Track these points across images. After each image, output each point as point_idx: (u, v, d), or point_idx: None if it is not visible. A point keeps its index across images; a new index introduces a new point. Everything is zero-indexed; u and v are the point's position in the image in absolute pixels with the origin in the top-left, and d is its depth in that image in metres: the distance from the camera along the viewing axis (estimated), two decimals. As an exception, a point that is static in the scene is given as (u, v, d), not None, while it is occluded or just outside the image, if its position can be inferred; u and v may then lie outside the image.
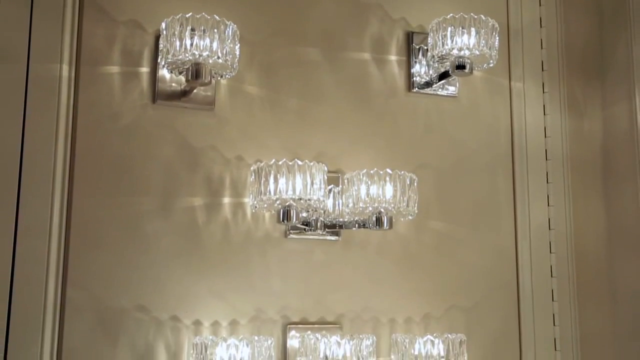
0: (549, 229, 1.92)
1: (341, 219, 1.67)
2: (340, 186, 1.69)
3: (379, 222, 1.59)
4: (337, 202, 1.70)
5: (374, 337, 1.56)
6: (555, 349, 1.87)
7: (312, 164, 1.52)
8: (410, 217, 1.62)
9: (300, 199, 1.50)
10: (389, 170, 1.58)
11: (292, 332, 1.64)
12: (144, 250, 1.57)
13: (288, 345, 1.64)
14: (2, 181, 1.48)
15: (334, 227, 1.68)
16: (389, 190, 1.57)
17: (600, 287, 1.94)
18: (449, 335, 1.59)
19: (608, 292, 1.94)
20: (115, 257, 1.55)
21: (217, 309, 1.60)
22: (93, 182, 1.55)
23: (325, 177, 1.55)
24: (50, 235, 1.49)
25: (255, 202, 1.54)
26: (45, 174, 1.51)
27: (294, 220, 1.52)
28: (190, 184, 1.63)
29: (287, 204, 1.51)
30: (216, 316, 1.60)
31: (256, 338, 1.47)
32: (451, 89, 1.88)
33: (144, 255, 1.57)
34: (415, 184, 1.61)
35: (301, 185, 1.50)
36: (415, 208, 1.61)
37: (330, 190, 1.68)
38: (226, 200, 1.65)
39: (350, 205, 1.60)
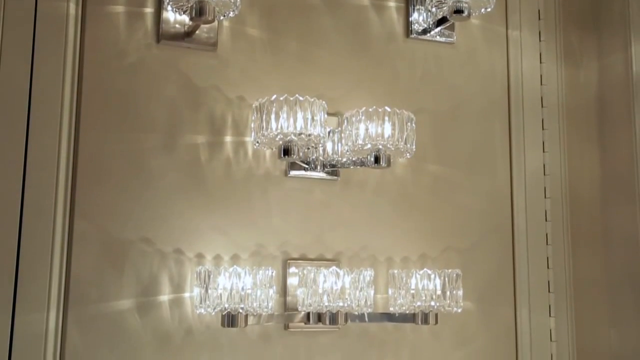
0: (544, 174, 1.96)
1: (341, 159, 1.71)
2: (339, 127, 1.73)
3: (377, 160, 1.63)
4: (336, 144, 1.74)
5: (373, 271, 1.60)
6: (549, 291, 1.91)
7: (312, 100, 1.56)
8: (408, 156, 1.66)
9: (301, 134, 1.54)
10: (387, 109, 1.61)
11: (292, 269, 1.69)
12: (149, 185, 1.61)
13: (288, 282, 1.69)
14: (11, 116, 1.52)
15: (333, 167, 1.72)
16: (387, 128, 1.61)
17: (594, 231, 1.98)
18: (446, 270, 1.63)
19: (601, 236, 1.98)
20: (121, 191, 1.59)
21: (219, 244, 1.64)
22: (99, 118, 1.60)
23: (325, 115, 1.59)
24: (58, 168, 1.53)
25: (257, 138, 1.58)
26: (53, 109, 1.55)
27: (295, 155, 1.56)
28: (193, 122, 1.67)
29: (287, 138, 1.55)
30: (218, 250, 1.64)
31: (257, 270, 1.52)
32: (449, 37, 1.92)
33: (148, 190, 1.61)
34: (414, 123, 1.65)
35: (302, 120, 1.54)
36: (414, 146, 1.64)
37: (329, 133, 1.72)
38: (228, 139, 1.69)
39: (349, 144, 1.63)
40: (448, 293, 1.61)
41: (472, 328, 1.84)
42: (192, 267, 1.61)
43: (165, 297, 1.59)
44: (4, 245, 1.49)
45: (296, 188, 1.73)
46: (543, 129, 1.98)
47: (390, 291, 1.69)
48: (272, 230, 1.70)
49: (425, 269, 1.62)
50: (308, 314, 1.63)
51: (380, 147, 1.61)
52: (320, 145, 1.60)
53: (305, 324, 1.65)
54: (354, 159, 1.68)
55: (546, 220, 1.94)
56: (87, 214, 1.56)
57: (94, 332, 1.53)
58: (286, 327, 1.67)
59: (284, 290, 1.68)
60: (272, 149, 1.65)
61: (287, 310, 1.67)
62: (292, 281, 1.68)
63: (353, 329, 1.73)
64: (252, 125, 1.60)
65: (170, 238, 1.61)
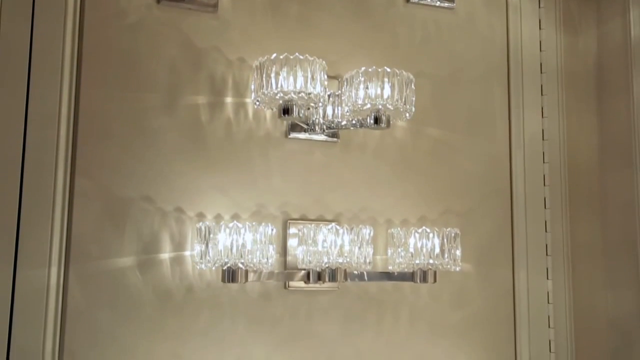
0: (543, 139, 1.97)
1: (340, 121, 1.72)
2: (339, 90, 1.74)
3: (377, 120, 1.64)
4: (336, 107, 1.74)
5: (372, 228, 1.62)
6: (547, 254, 1.93)
7: (312, 59, 1.56)
8: (407, 116, 1.67)
9: (301, 92, 1.55)
10: (387, 69, 1.62)
11: (292, 229, 1.70)
12: (150, 145, 1.62)
13: (288, 242, 1.70)
14: (12, 75, 1.53)
15: (333, 128, 1.73)
16: (387, 88, 1.62)
17: (591, 196, 1.99)
18: (444, 229, 1.64)
19: (599, 201, 1.99)
20: (122, 149, 1.60)
21: (220, 203, 1.65)
22: (100, 76, 1.60)
23: (325, 75, 1.60)
24: (59, 126, 1.54)
25: (257, 97, 1.59)
26: (54, 67, 1.55)
27: (295, 114, 1.57)
28: (193, 83, 1.67)
29: (287, 97, 1.56)
30: (219, 210, 1.65)
31: (257, 225, 1.53)
32: (449, 2, 1.93)
33: (149, 149, 1.62)
34: (413, 85, 1.66)
35: (302, 79, 1.55)
36: (413, 107, 1.65)
37: (329, 96, 1.73)
38: (228, 100, 1.70)
39: (349, 104, 1.64)
40: (447, 252, 1.63)
41: (470, 290, 1.85)
42: (193, 226, 1.62)
43: (166, 255, 1.61)
44: (6, 202, 1.50)
45: (296, 150, 1.74)
46: (542, 94, 1.99)
47: (389, 251, 1.70)
48: (272, 191, 1.71)
49: (424, 227, 1.63)
50: (308, 273, 1.64)
51: (380, 107, 1.62)
52: (320, 105, 1.61)
53: (305, 283, 1.67)
54: (353, 120, 1.69)
55: (544, 184, 1.96)
56: (88, 171, 1.57)
57: (96, 288, 1.55)
58: (286, 286, 1.69)
59: (284, 250, 1.70)
60: (272, 109, 1.66)
61: (287, 269, 1.68)
62: (292, 242, 1.70)
63: (352, 289, 1.74)
64: (252, 85, 1.60)
65: (171, 197, 1.62)
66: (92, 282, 1.54)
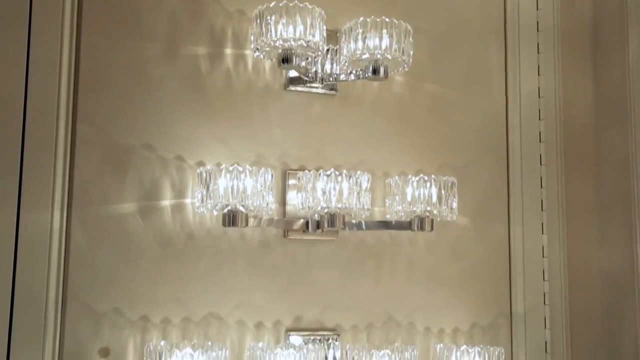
0: (539, 97, 2.00)
1: (339, 73, 1.74)
2: (338, 43, 1.75)
3: (375, 71, 1.65)
4: (335, 60, 1.76)
5: (370, 176, 1.64)
6: (542, 209, 1.95)
7: (311, 7, 1.58)
8: (405, 67, 1.68)
9: (300, 39, 1.57)
10: (385, 19, 1.64)
11: (292, 181, 1.72)
12: (151, 94, 1.64)
13: (287, 192, 1.72)
14: (13, 22, 1.54)
15: (332, 80, 1.75)
16: (385, 39, 1.63)
17: (586, 153, 2.02)
18: (441, 177, 1.67)
19: (594, 158, 2.02)
20: (123, 98, 1.62)
21: (220, 153, 1.67)
22: (101, 25, 1.62)
23: (324, 25, 1.61)
24: (60, 73, 1.56)
25: (257, 45, 1.60)
26: (55, 14, 1.57)
27: (294, 63, 1.59)
28: (193, 34, 1.69)
29: (287, 45, 1.57)
30: (219, 159, 1.67)
31: (257, 169, 1.55)
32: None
33: (150, 98, 1.64)
34: (411, 37, 1.67)
35: (301, 26, 1.57)
36: (410, 58, 1.67)
37: (328, 50, 1.75)
38: (228, 51, 1.72)
39: (348, 54, 1.65)
40: (444, 200, 1.65)
41: (466, 243, 1.88)
42: (193, 174, 1.64)
43: (167, 202, 1.63)
44: (8, 146, 1.52)
45: (295, 102, 1.76)
46: (538, 52, 2.01)
47: (387, 202, 1.73)
48: (272, 142, 1.73)
49: (421, 175, 1.66)
50: (307, 221, 1.67)
51: (379, 57, 1.64)
52: (319, 54, 1.62)
53: (304, 232, 1.69)
54: (352, 72, 1.71)
55: (540, 141, 1.98)
56: (89, 119, 1.59)
57: (98, 233, 1.57)
58: (285, 235, 1.71)
59: (283, 199, 1.72)
60: (271, 60, 1.67)
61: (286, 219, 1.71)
62: (291, 194, 1.72)
63: (350, 239, 1.77)
64: (252, 34, 1.62)
65: (172, 145, 1.65)
66: (94, 226, 1.57)
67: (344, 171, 1.60)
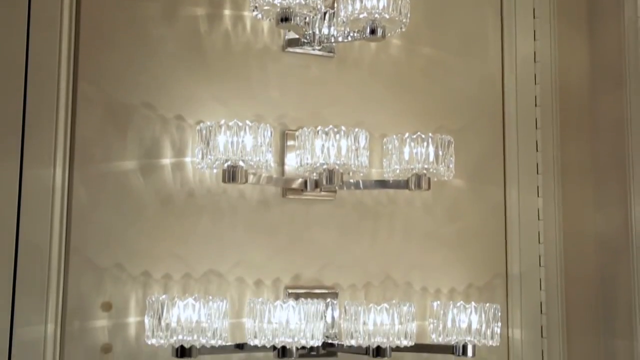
0: (535, 61, 2.02)
1: (337, 35, 1.75)
2: (336, 6, 1.77)
3: (373, 31, 1.67)
4: (332, 26, 1.77)
5: (368, 134, 1.66)
6: (538, 173, 1.98)
7: (310, -34, 1.60)
8: (403, 28, 1.70)
9: (298, -5, 1.58)
10: (382, -21, 1.65)
11: (290, 142, 1.74)
12: (151, 53, 1.66)
13: (286, 153, 1.74)
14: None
15: (330, 42, 1.76)
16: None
17: (581, 117, 2.04)
18: (438, 135, 1.69)
19: (589, 122, 2.04)
20: (124, 57, 1.64)
21: (219, 113, 1.69)
22: (101, -17, 1.64)
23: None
24: (61, 31, 1.58)
25: (256, 4, 1.62)
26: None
27: (292, 22, 1.61)
28: (192, -6, 1.71)
29: (285, 3, 1.59)
30: (218, 119, 1.68)
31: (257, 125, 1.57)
32: None
33: (150, 58, 1.66)
34: (408, -1, 1.69)
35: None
36: (408, 19, 1.69)
37: (325, 13, 1.76)
38: (227, 12, 1.73)
39: (346, 14, 1.67)
40: (441, 158, 1.67)
41: (462, 205, 1.90)
42: (193, 134, 1.66)
43: (167, 161, 1.65)
44: (10, 104, 1.54)
45: (293, 63, 1.78)
46: (534, 17, 2.03)
47: (384, 161, 1.75)
48: (270, 103, 1.75)
49: (418, 133, 1.68)
50: (305, 181, 1.69)
51: (377, 16, 1.65)
52: (318, 13, 1.64)
53: (303, 191, 1.71)
54: (350, 34, 1.72)
55: (536, 105, 2.00)
56: (90, 77, 1.61)
57: (99, 190, 1.59)
58: (284, 194, 1.73)
59: (282, 160, 1.74)
60: (270, 20, 1.69)
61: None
62: (290, 155, 1.74)
63: (348, 199, 1.79)
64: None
65: (172, 105, 1.66)
66: (95, 183, 1.59)
67: (342, 128, 1.62)
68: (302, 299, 1.55)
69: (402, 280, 1.81)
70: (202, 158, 1.57)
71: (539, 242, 1.95)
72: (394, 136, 1.71)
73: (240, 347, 1.57)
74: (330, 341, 1.66)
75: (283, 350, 1.52)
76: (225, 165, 1.55)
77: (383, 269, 1.80)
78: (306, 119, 1.77)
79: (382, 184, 1.74)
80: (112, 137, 1.61)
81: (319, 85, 1.80)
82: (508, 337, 1.89)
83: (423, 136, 1.68)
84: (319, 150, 1.61)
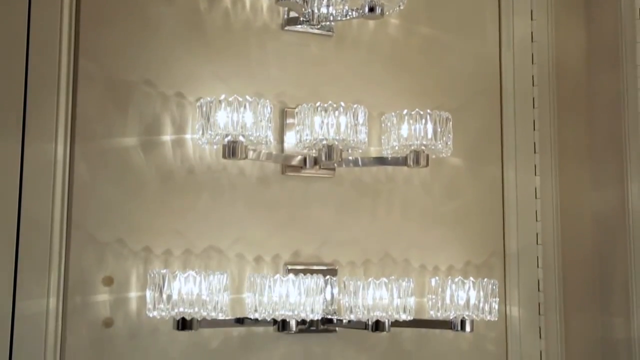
0: (532, 41, 2.03)
1: (336, 15, 1.76)
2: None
3: (372, 9, 1.68)
4: (330, 6, 1.78)
5: (367, 110, 1.67)
6: (535, 152, 1.99)
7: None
8: (401, 6, 1.71)
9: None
10: (381, -43, 1.66)
11: (290, 120, 1.75)
12: (151, 31, 1.67)
13: (285, 132, 1.75)
14: None
15: (329, 20, 1.77)
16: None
17: (578, 96, 2.05)
18: (436, 112, 1.70)
19: (586, 101, 2.06)
20: (124, 34, 1.65)
21: (219, 90, 1.69)
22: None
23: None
24: (62, 6, 1.59)
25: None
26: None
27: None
28: (191, -27, 1.72)
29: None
30: (218, 95, 1.70)
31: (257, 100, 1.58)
32: None
33: (150, 35, 1.67)
34: (406, -25, 1.70)
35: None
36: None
37: (324, -7, 1.77)
38: (227, -10, 1.75)
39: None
40: (439, 135, 1.68)
41: (460, 183, 1.91)
42: (193, 111, 1.67)
43: (167, 137, 1.66)
44: (12, 80, 1.55)
45: (292, 42, 1.79)
46: (531, -3, 2.05)
47: (383, 139, 1.76)
48: (269, 81, 1.76)
49: (417, 109, 1.69)
50: (305, 158, 1.71)
51: (375, -8, 1.66)
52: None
53: (302, 168, 1.73)
54: (348, 12, 1.73)
55: (533, 85, 2.01)
56: (91, 54, 1.62)
57: (100, 165, 1.60)
58: (283, 171, 1.75)
59: (281, 137, 1.75)
60: (268, -1, 1.70)
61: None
62: (289, 134, 1.75)
63: (347, 177, 1.80)
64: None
65: (172, 82, 1.68)
66: (97, 159, 1.60)
67: (342, 104, 1.63)
68: (302, 274, 1.56)
69: (401, 258, 1.83)
70: (203, 134, 1.58)
71: (537, 220, 1.97)
72: (393, 113, 1.72)
73: (241, 321, 1.59)
74: (329, 317, 1.67)
75: (283, 324, 1.54)
76: (226, 140, 1.56)
77: (382, 247, 1.82)
78: (305, 97, 1.78)
79: (381, 160, 1.75)
80: (113, 113, 1.62)
81: (318, 64, 1.81)
82: (506, 314, 1.91)
83: (421, 113, 1.69)
84: (318, 126, 1.63)
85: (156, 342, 1.60)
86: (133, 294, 1.60)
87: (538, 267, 1.96)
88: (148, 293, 1.50)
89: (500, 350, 1.89)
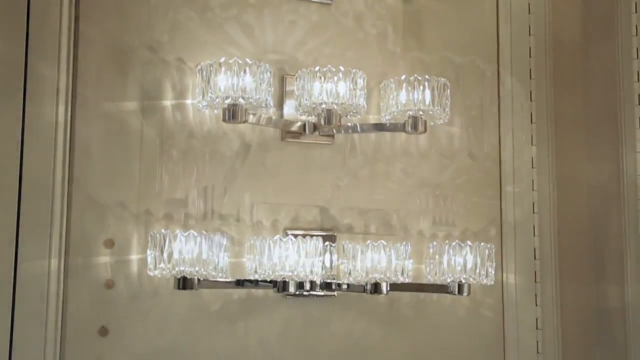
0: (529, 13, 2.04)
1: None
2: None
3: (370, -24, 1.70)
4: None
5: (365, 75, 1.69)
6: (532, 122, 2.01)
7: None
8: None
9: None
10: None
11: (289, 87, 1.76)
12: (150, -5, 1.69)
13: (285, 103, 1.77)
14: None
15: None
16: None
17: (575, 68, 2.07)
18: (434, 77, 1.72)
19: (582, 73, 2.07)
20: (124, -1, 1.66)
21: (218, 55, 1.69)
22: None
23: None
24: (62, -30, 1.60)
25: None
26: None
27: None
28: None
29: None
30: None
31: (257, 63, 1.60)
32: None
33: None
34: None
35: None
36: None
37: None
38: (226, -43, 1.76)
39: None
40: (437, 100, 1.70)
41: (458, 152, 1.93)
42: (194, 77, 1.68)
43: (167, 102, 1.67)
44: (12, 45, 1.56)
45: (292, 9, 1.81)
46: (528, -32, 2.06)
47: (381, 105, 1.78)
48: (269, 49, 1.78)
49: (415, 75, 1.70)
50: (304, 124, 1.72)
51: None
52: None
53: (302, 134, 1.74)
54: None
55: (530, 56, 2.03)
56: (91, 18, 1.63)
57: (102, 130, 1.62)
58: (283, 138, 1.76)
59: (280, 104, 1.76)
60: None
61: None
62: (289, 102, 1.76)
63: (345, 144, 1.82)
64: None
65: (172, 48, 1.69)
66: (98, 123, 1.62)
67: (341, 68, 1.64)
68: (302, 237, 1.58)
69: (399, 225, 1.85)
70: (203, 96, 1.59)
71: (533, 190, 1.99)
72: (391, 79, 1.74)
73: (241, 283, 1.60)
74: (328, 281, 1.69)
75: (283, 285, 1.55)
76: (226, 103, 1.57)
77: (380, 213, 1.83)
78: (304, 64, 1.79)
79: (379, 127, 1.76)
80: (113, 77, 1.64)
81: (317, 31, 1.83)
82: (502, 282, 1.93)
83: (419, 79, 1.70)
84: (317, 91, 1.64)
85: (157, 304, 1.62)
86: (134, 257, 1.61)
87: (534, 235, 1.98)
88: (149, 253, 1.52)
89: (497, 316, 1.91)
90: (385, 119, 1.75)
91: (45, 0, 1.58)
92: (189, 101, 1.69)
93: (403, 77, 1.72)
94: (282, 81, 1.77)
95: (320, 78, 1.64)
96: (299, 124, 1.72)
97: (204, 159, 1.69)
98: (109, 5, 1.64)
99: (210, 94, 1.57)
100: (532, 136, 2.00)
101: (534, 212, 1.98)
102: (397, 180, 1.86)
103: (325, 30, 1.83)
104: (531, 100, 2.01)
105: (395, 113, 1.72)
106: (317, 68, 1.64)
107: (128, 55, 1.65)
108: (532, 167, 1.99)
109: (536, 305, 1.95)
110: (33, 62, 1.57)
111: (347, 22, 1.86)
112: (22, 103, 1.55)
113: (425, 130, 1.72)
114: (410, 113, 1.70)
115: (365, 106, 1.69)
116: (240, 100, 1.57)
